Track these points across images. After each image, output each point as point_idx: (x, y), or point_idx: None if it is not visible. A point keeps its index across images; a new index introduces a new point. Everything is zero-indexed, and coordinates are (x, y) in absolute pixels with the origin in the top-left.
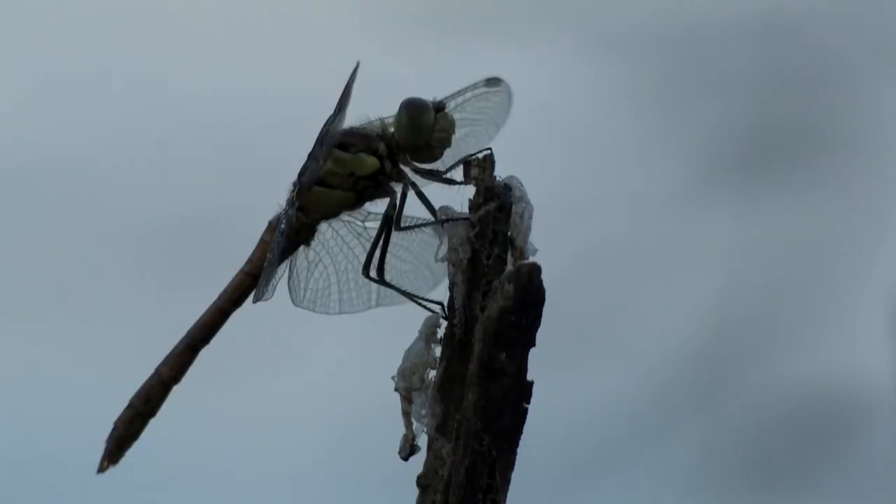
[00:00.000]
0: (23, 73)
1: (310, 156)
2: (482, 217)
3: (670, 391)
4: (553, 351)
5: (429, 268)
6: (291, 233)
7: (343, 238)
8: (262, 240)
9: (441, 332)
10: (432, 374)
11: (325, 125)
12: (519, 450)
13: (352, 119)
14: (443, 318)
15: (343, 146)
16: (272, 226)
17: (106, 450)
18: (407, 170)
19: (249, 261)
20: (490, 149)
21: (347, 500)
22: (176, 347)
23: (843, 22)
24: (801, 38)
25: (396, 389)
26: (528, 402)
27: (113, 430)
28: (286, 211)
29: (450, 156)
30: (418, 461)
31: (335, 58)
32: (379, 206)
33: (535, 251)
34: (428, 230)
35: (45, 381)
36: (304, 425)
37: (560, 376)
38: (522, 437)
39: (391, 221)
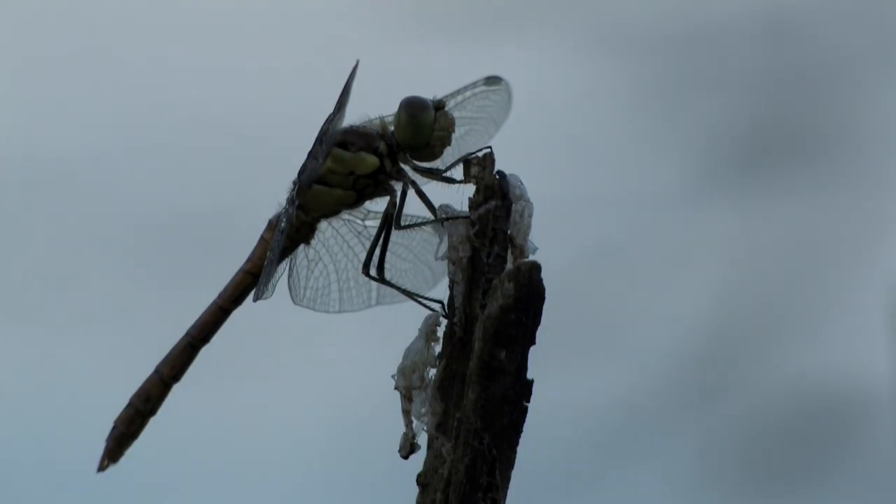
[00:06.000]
0: (22, 71)
1: (310, 154)
2: (482, 215)
3: (670, 390)
4: (553, 349)
5: (429, 266)
6: (291, 231)
7: (343, 237)
8: (262, 238)
9: (441, 331)
10: (432, 372)
11: (324, 124)
12: (519, 448)
13: (352, 118)
14: (443, 316)
15: (343, 145)
16: (272, 224)
17: (106, 448)
18: (407, 168)
19: (250, 259)
20: (490, 147)
21: (347, 498)
22: (176, 346)
23: (843, 21)
24: (802, 37)
25: (396, 388)
26: (528, 401)
27: (113, 428)
28: (286, 209)
29: (450, 154)
30: (418, 459)
31: (335, 56)
32: (379, 204)
33: (535, 249)
34: (428, 229)
35: (45, 380)
36: (303, 424)
37: (560, 375)
38: (522, 435)
39: (391, 220)
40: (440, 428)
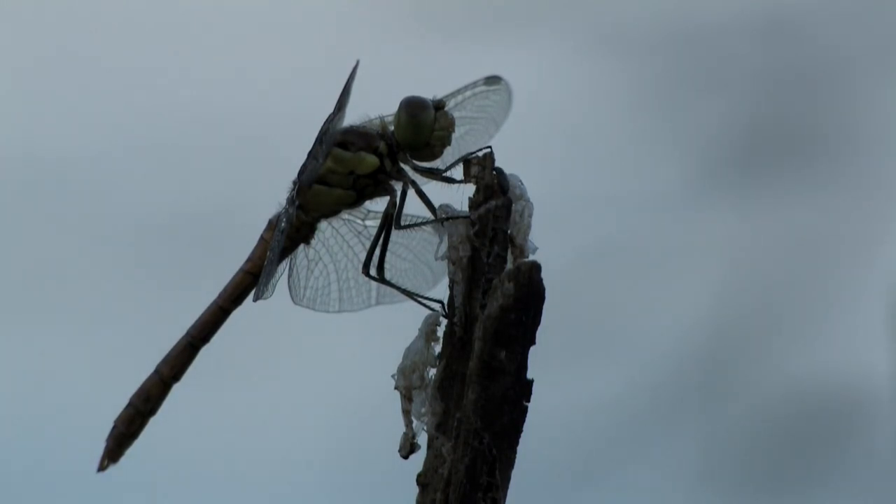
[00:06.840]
0: (22, 71)
1: (310, 154)
2: (482, 215)
3: (671, 390)
4: (553, 349)
5: (429, 266)
6: (291, 231)
7: (343, 236)
8: (262, 238)
9: (441, 331)
10: (432, 372)
11: (324, 124)
12: (519, 448)
13: (352, 117)
14: (443, 316)
15: (343, 145)
16: (272, 224)
17: (106, 448)
18: (407, 168)
19: (250, 259)
20: (490, 147)
21: (348, 498)
22: (176, 346)
23: (843, 21)
24: (802, 36)
25: (396, 388)
26: (528, 401)
27: (113, 428)
28: (286, 209)
29: (450, 154)
30: (418, 459)
31: (335, 56)
32: (379, 204)
33: (535, 249)
34: (428, 228)
35: (45, 380)
36: (303, 424)
37: (560, 375)
38: (522, 435)
39: (391, 220)
40: (440, 428)
